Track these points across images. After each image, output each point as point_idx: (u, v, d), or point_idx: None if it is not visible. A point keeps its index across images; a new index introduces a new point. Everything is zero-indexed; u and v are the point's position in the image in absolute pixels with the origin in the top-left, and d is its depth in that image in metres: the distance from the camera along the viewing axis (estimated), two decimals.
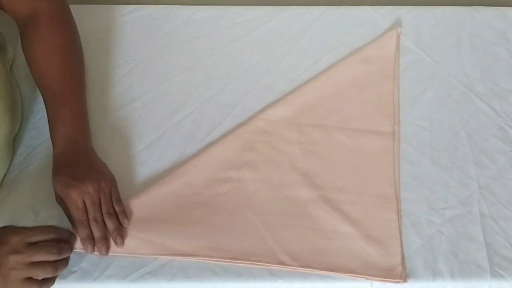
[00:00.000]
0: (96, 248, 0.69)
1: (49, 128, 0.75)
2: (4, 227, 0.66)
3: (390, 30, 0.92)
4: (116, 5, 0.97)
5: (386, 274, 0.69)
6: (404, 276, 0.69)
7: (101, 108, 0.84)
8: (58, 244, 0.66)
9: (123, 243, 0.70)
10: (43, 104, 0.77)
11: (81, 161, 0.73)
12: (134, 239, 0.71)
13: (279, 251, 0.71)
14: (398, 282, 0.69)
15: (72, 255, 0.69)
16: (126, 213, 0.72)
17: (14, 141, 0.80)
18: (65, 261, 0.67)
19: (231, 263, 0.70)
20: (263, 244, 0.72)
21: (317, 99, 0.85)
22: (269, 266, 0.70)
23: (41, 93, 0.77)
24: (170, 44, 0.92)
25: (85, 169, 0.72)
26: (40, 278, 0.64)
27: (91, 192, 0.70)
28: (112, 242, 0.70)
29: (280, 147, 0.80)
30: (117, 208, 0.72)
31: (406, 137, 0.82)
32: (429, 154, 0.80)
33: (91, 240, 0.69)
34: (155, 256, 0.70)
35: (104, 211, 0.70)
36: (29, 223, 0.72)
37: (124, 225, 0.71)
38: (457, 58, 0.91)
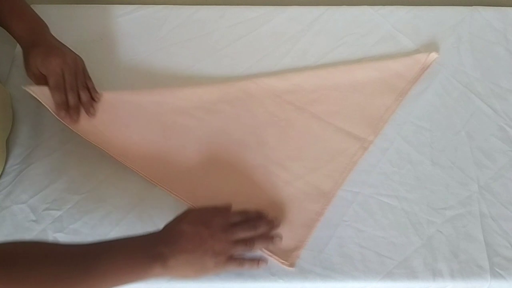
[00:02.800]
0: (69, 114, 0.77)
1: (9, 31, 0.81)
2: (200, 210, 0.67)
3: (427, 52, 0.89)
4: (116, 5, 0.97)
5: (277, 252, 0.70)
6: (292, 262, 0.69)
7: None
8: (254, 221, 0.68)
9: (95, 113, 0.79)
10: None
11: (52, 41, 0.80)
12: (88, 125, 0.79)
13: (193, 192, 0.75)
14: (283, 263, 0.69)
15: None
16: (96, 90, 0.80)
17: (11, 142, 0.80)
18: (265, 237, 0.68)
19: (148, 181, 0.76)
20: (185, 181, 0.76)
21: (314, 85, 0.86)
22: (176, 196, 0.74)
23: None
24: (170, 44, 0.92)
25: (59, 46, 0.80)
26: (238, 254, 0.67)
27: (70, 63, 0.77)
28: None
29: (254, 111, 0.83)
30: (89, 84, 0.80)
31: (406, 137, 0.82)
32: (429, 154, 0.80)
33: (65, 106, 0.77)
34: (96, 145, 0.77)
35: (79, 83, 0.78)
36: (28, 223, 0.72)
37: (96, 100, 0.80)
38: (457, 58, 0.91)
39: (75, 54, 0.80)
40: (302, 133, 0.82)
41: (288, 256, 0.70)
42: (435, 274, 0.70)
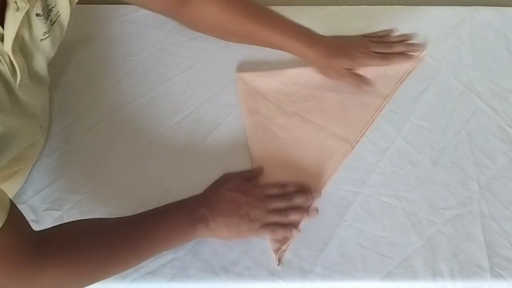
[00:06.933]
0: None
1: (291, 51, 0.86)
2: (237, 179, 0.74)
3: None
4: (116, 5, 0.97)
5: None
6: (279, 258, 0.70)
7: (102, 108, 0.84)
8: (290, 193, 0.74)
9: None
10: None
11: (328, 38, 0.87)
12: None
13: None
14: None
15: None
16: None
17: None
18: (300, 209, 0.73)
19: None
20: None
21: (299, 85, 0.87)
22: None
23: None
24: (170, 44, 0.92)
25: (335, 39, 0.87)
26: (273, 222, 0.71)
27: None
28: None
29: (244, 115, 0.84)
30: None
31: (406, 137, 0.82)
32: (429, 154, 0.80)
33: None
34: None
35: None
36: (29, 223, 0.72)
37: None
38: (457, 58, 0.91)
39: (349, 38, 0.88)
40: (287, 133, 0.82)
41: (275, 254, 0.71)
42: (435, 274, 0.70)
